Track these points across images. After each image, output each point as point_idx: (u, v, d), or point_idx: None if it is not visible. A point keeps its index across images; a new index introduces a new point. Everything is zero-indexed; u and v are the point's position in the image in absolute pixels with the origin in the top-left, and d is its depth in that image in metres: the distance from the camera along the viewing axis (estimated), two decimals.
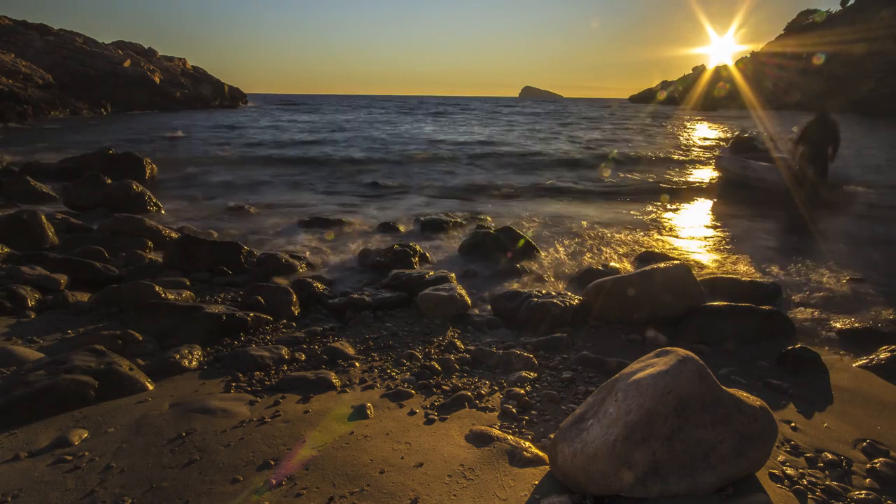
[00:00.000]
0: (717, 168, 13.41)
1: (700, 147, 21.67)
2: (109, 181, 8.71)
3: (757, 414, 2.22)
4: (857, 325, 4.26)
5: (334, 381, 3.16)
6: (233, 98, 58.60)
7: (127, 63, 44.81)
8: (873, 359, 3.66)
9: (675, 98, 77.78)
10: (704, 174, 14.43)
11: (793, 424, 2.82)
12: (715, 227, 8.23)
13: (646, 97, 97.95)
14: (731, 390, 2.27)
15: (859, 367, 3.60)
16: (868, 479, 2.37)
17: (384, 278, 5.17)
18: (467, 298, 4.50)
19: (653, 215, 9.16)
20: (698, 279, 4.50)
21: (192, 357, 3.43)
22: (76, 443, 2.44)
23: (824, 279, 5.58)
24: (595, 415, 2.25)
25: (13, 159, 12.81)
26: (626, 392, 2.15)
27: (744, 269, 5.98)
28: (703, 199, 10.85)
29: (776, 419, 2.35)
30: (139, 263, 5.53)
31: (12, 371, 3.05)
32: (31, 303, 4.19)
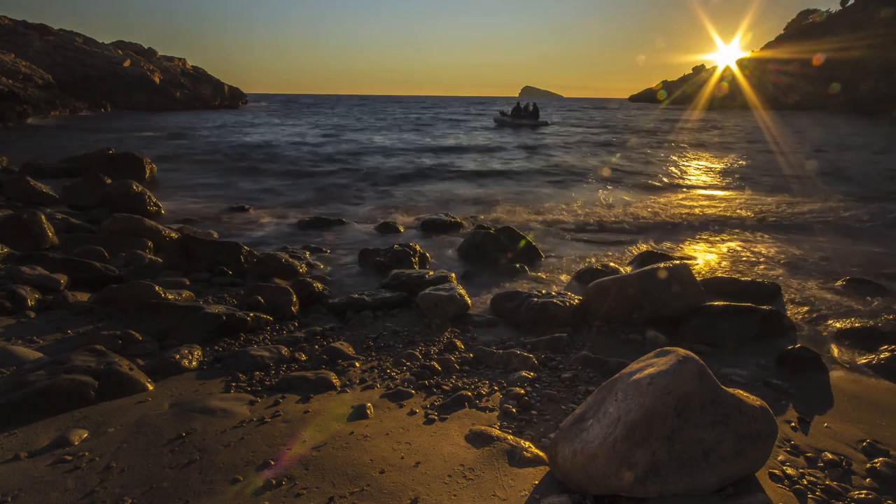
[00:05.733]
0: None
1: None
2: (109, 181, 8.71)
3: (757, 414, 2.22)
4: (857, 324, 4.26)
5: (334, 381, 3.16)
6: (233, 98, 58.61)
7: (127, 63, 44.80)
8: (873, 358, 3.66)
9: (679, 99, 77.78)
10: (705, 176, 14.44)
11: (793, 424, 2.82)
12: (715, 227, 8.23)
13: (646, 97, 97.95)
14: (731, 390, 2.27)
15: (859, 366, 3.60)
16: (868, 479, 2.37)
17: (384, 278, 5.17)
18: (467, 298, 4.50)
19: (653, 215, 9.16)
20: (698, 279, 4.50)
21: (192, 357, 3.43)
22: (76, 443, 2.44)
23: (824, 279, 5.58)
24: (595, 415, 2.25)
25: (13, 159, 12.81)
26: (626, 392, 2.15)
27: (744, 269, 5.98)
28: (702, 200, 10.86)
29: (776, 419, 2.35)
30: (139, 263, 5.53)
31: (12, 371, 3.05)
32: (31, 303, 4.19)
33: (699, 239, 7.50)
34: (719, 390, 2.19)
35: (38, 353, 3.35)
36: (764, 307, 4.17)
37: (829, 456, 2.51)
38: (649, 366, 2.25)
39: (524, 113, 34.89)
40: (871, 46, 54.20)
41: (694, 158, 17.94)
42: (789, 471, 2.37)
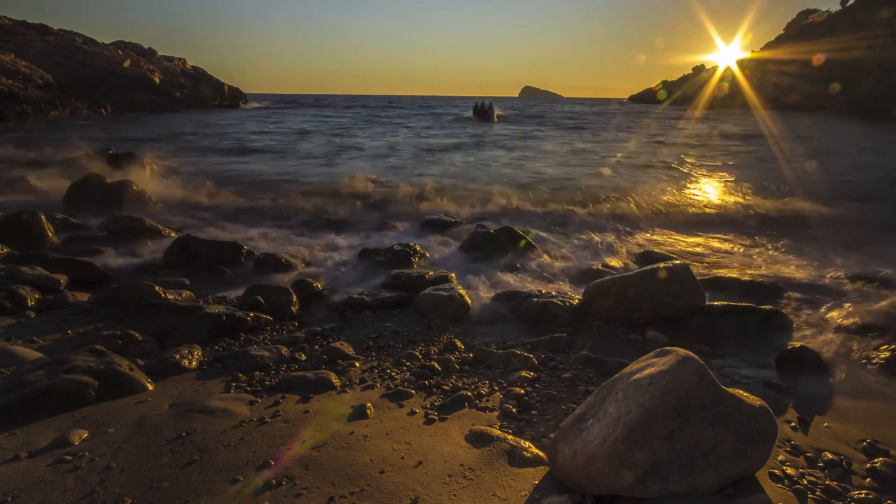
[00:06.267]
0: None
1: None
2: (109, 181, 8.71)
3: (757, 414, 2.22)
4: (857, 324, 4.26)
5: (334, 381, 3.16)
6: (232, 98, 58.60)
7: (127, 63, 44.80)
8: (873, 358, 3.66)
9: (679, 99, 77.85)
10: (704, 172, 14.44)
11: (793, 424, 2.82)
12: (715, 227, 8.23)
13: (646, 97, 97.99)
14: (731, 390, 2.27)
15: (859, 366, 3.60)
16: (868, 479, 2.37)
17: (384, 278, 5.17)
18: (467, 298, 4.50)
19: (653, 215, 9.16)
20: (698, 279, 4.50)
21: (192, 357, 3.43)
22: (76, 443, 2.44)
23: (824, 278, 5.58)
24: (595, 415, 2.25)
25: (14, 159, 12.81)
26: (625, 392, 2.15)
27: (744, 269, 5.98)
28: (703, 199, 10.86)
29: (776, 419, 2.35)
30: (139, 263, 5.53)
31: (12, 371, 3.05)
32: (31, 303, 4.19)
33: (699, 239, 7.50)
34: (719, 390, 2.19)
35: (38, 353, 3.35)
36: (764, 307, 4.17)
37: (829, 456, 2.51)
38: (649, 366, 2.25)
39: (480, 111, 41.82)
40: (872, 47, 54.20)
41: (694, 158, 17.94)
42: (789, 471, 2.37)
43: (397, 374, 3.33)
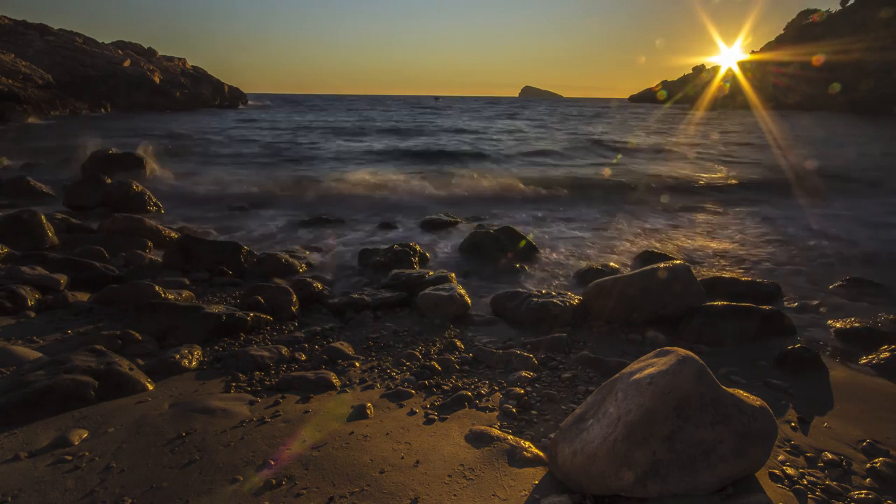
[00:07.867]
0: None
1: None
2: (109, 181, 8.71)
3: (757, 414, 2.22)
4: (856, 324, 4.26)
5: (334, 380, 3.16)
6: (233, 98, 58.59)
7: (127, 63, 44.80)
8: (873, 358, 3.66)
9: (680, 99, 77.98)
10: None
11: (793, 424, 2.82)
12: (715, 227, 8.23)
13: (646, 97, 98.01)
14: (731, 390, 2.27)
15: (859, 366, 3.60)
16: (868, 479, 2.37)
17: (384, 278, 5.17)
18: (467, 298, 4.50)
19: (653, 215, 9.16)
20: (698, 279, 4.50)
21: (192, 357, 3.42)
22: (76, 443, 2.44)
23: (824, 279, 5.58)
24: (595, 415, 2.25)
25: (13, 159, 12.81)
26: (626, 392, 2.15)
27: (744, 269, 5.98)
28: (703, 198, 10.86)
29: (776, 419, 2.35)
30: (139, 263, 5.53)
31: (12, 371, 3.05)
32: (31, 303, 4.19)
33: (699, 239, 7.51)
34: (719, 390, 2.19)
35: (38, 353, 3.35)
36: (764, 307, 4.17)
37: (829, 456, 2.51)
38: (649, 366, 2.25)
39: None
40: (871, 47, 54.26)
41: (694, 156, 17.94)
42: (789, 471, 2.37)
43: (397, 374, 3.33)
